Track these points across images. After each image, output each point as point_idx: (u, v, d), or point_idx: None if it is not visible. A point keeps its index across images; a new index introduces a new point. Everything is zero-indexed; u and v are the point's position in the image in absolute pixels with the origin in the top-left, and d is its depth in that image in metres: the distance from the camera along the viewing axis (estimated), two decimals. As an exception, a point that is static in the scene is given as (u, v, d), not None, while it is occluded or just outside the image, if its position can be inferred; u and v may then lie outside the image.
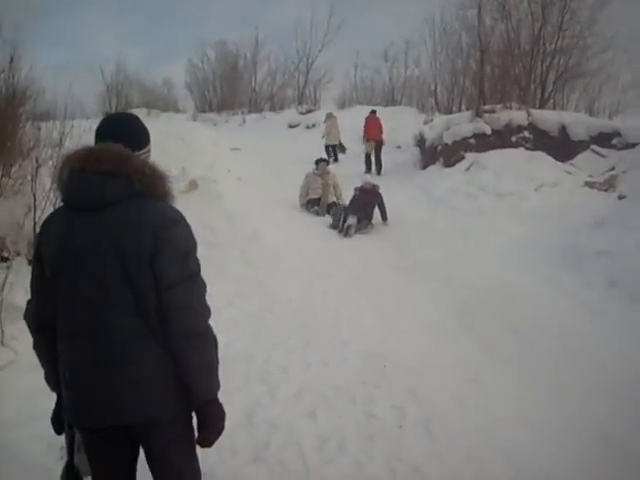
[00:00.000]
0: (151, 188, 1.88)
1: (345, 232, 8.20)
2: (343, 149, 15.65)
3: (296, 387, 3.92)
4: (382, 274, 6.57)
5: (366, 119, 14.17)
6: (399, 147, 15.26)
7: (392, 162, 13.36)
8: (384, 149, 13.75)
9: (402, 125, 16.56)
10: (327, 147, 15.43)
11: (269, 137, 19.34)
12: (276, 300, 5.43)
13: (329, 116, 16.27)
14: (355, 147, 14.94)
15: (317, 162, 10.03)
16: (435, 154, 11.71)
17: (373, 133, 13.60)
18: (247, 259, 6.08)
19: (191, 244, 1.92)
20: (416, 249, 7.49)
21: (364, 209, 8.54)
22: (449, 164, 11.02)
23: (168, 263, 1.83)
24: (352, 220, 8.27)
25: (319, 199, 9.54)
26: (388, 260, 7.10)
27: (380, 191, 8.88)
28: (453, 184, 9.95)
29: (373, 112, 14.47)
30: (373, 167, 13.40)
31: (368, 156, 13.53)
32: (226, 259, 5.91)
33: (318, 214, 9.31)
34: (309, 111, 24.20)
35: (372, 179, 9.59)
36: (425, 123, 15.81)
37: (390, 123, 15.91)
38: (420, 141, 12.81)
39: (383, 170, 13.14)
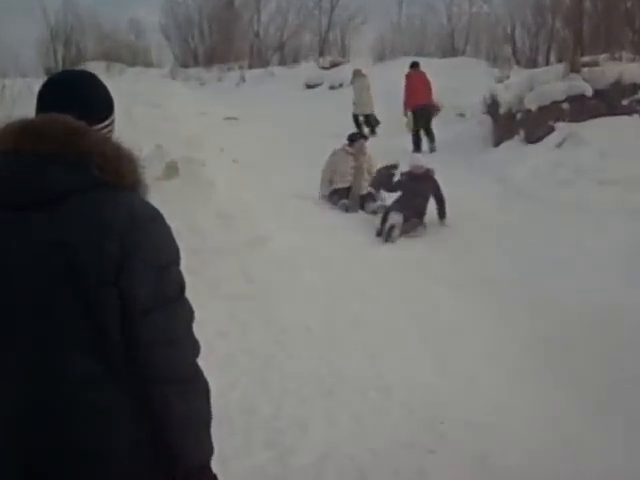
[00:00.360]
0: (115, 176, 1.83)
1: (386, 235, 8.22)
2: (376, 123, 15.83)
3: (316, 452, 3.92)
4: (437, 294, 6.56)
5: (406, 76, 14.23)
6: (461, 115, 15.29)
7: (451, 136, 13.36)
8: (438, 117, 13.78)
9: (465, 84, 16.60)
10: (356, 117, 15.57)
11: (278, 102, 19.49)
12: (288, 330, 5.45)
13: (357, 75, 16.37)
14: (398, 116, 14.96)
15: (352, 137, 10.09)
16: (513, 125, 11.69)
17: (417, 96, 13.67)
18: (248, 273, 6.12)
19: (172, 253, 1.89)
20: (485, 258, 7.47)
21: (413, 203, 8.55)
22: (533, 139, 11.03)
23: (141, 280, 1.78)
24: (396, 218, 8.28)
25: (349, 189, 9.60)
26: (445, 274, 7.11)
27: (436, 177, 8.90)
28: (538, 166, 9.95)
29: (415, 65, 14.52)
30: (425, 145, 13.47)
31: (416, 131, 13.62)
32: (220, 273, 5.95)
33: (348, 210, 9.35)
34: (334, 65, 24.41)
35: (423, 160, 9.61)
36: (499, 81, 15.83)
37: (448, 81, 15.97)
38: (492, 107, 12.80)
39: (437, 145, 13.17)
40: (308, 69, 24.60)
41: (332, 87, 21.86)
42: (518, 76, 14.46)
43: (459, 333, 5.69)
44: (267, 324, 5.51)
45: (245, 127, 12.01)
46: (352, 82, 16.73)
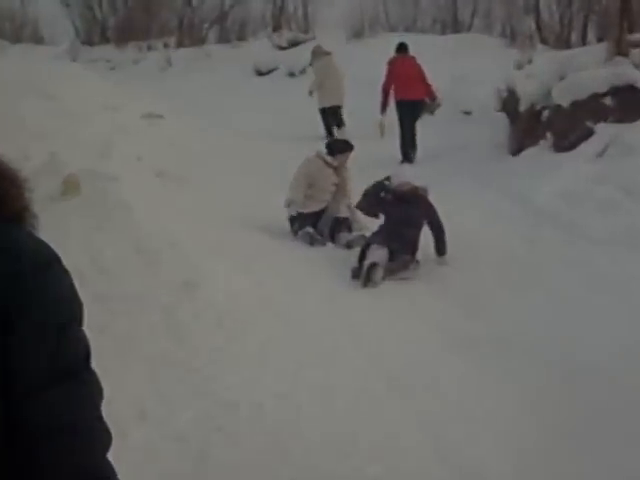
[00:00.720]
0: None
1: (365, 277, 8.18)
2: (340, 122, 16.12)
3: None
4: (435, 356, 6.59)
5: (389, 63, 14.44)
6: (467, 113, 15.48)
7: (454, 142, 13.52)
8: (437, 116, 13.95)
9: (473, 71, 16.79)
10: (324, 111, 15.85)
11: (218, 93, 19.54)
12: (230, 408, 5.43)
13: (318, 53, 16.55)
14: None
15: (334, 146, 10.19)
16: (537, 126, 11.85)
17: (405, 89, 13.89)
18: (175, 328, 6.08)
19: (73, 311, 1.87)
20: (501, 307, 7.52)
21: (400, 233, 8.53)
22: (564, 145, 11.17)
23: (29, 350, 1.76)
24: (379, 254, 8.28)
25: (317, 213, 9.69)
26: (446, 332, 7.13)
27: (430, 198, 8.91)
28: (572, 183, 10.04)
29: (402, 49, 14.69)
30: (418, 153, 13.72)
31: (408, 133, 13.87)
32: (137, 330, 5.92)
33: (313, 242, 9.36)
34: (294, 43, 24.57)
35: (410, 173, 9.66)
36: (518, 67, 16.01)
37: (449, 67, 16.16)
38: (508, 102, 12.94)
39: (436, 153, 13.37)
40: (259, 49, 24.70)
41: (291, 74, 21.99)
42: (544, 60, 14.54)
43: (469, 411, 5.69)
44: (202, 400, 5.48)
45: (173, 128, 11.99)
46: (312, 63, 16.86)
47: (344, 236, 9.38)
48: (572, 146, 11.01)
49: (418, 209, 8.80)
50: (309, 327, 6.84)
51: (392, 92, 14.07)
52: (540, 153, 11.47)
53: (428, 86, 14.09)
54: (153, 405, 5.38)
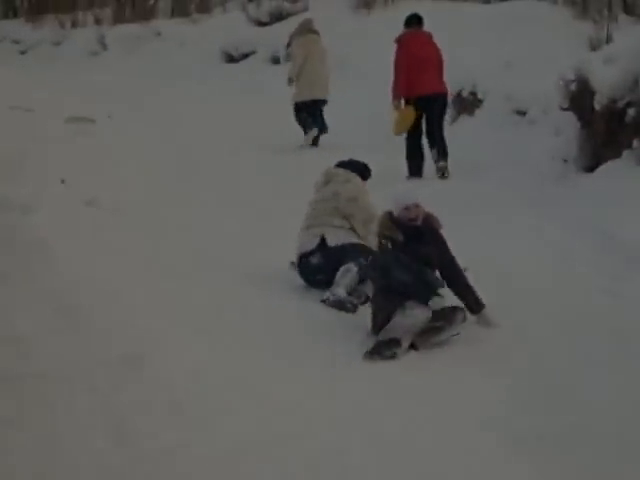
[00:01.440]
0: None
1: (383, 348, 8.18)
2: (323, 126, 16.63)
3: None
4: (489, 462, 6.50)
5: (398, 41, 14.72)
6: (522, 113, 15.48)
7: (504, 150, 13.60)
8: (480, 114, 14.04)
9: (528, 54, 16.83)
10: (299, 106, 16.49)
11: (173, 86, 19.65)
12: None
13: (303, 29, 16.90)
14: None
15: (366, 172, 10.39)
16: (620, 130, 11.87)
17: (421, 76, 14.13)
18: (113, 423, 6.08)
19: None
20: (573, 388, 7.44)
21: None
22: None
23: None
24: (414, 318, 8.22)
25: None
26: (504, 423, 7.06)
27: (441, 230, 8.77)
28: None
29: (413, 22, 14.93)
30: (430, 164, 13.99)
31: (414, 140, 14.22)
32: (58, 424, 5.91)
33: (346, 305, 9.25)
34: (279, 17, 24.64)
35: (417, 194, 9.49)
36: (592, 48, 16.07)
37: (494, 48, 16.21)
38: (579, 96, 12.95)
39: (473, 167, 13.45)
40: (229, 25, 24.81)
41: (274, 59, 22.13)
42: (629, 38, 14.57)
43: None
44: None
45: (109, 138, 12.02)
46: (290, 43, 17.09)
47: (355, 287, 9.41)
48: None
49: (431, 245, 8.67)
50: (304, 421, 6.80)
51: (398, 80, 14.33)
52: (624, 168, 11.43)
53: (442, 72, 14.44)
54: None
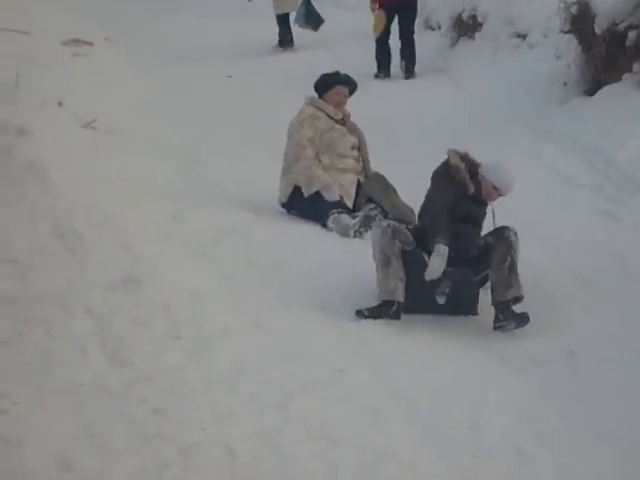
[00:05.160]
0: None
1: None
2: (316, 20, 17.19)
3: None
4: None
5: None
6: (522, 36, 15.35)
7: (504, 74, 13.53)
8: (478, 37, 14.02)
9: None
10: (280, 18, 17.49)
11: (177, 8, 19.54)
12: (190, 454, 5.36)
13: None
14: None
15: (327, 82, 10.03)
16: (621, 53, 11.78)
17: None
18: (111, 343, 6.06)
19: None
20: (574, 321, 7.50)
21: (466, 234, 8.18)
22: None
23: None
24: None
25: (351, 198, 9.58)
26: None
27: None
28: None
29: None
30: (398, 66, 14.64)
31: (382, 41, 15.05)
32: (57, 344, 5.90)
33: (347, 232, 9.16)
34: None
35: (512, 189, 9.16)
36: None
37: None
38: (579, 19, 12.84)
39: (478, 92, 13.43)
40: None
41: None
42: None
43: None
44: (150, 443, 5.44)
45: (108, 60, 11.91)
46: None
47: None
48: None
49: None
50: (305, 345, 6.83)
51: None
52: (624, 92, 11.34)
53: None
54: (82, 451, 5.36)
